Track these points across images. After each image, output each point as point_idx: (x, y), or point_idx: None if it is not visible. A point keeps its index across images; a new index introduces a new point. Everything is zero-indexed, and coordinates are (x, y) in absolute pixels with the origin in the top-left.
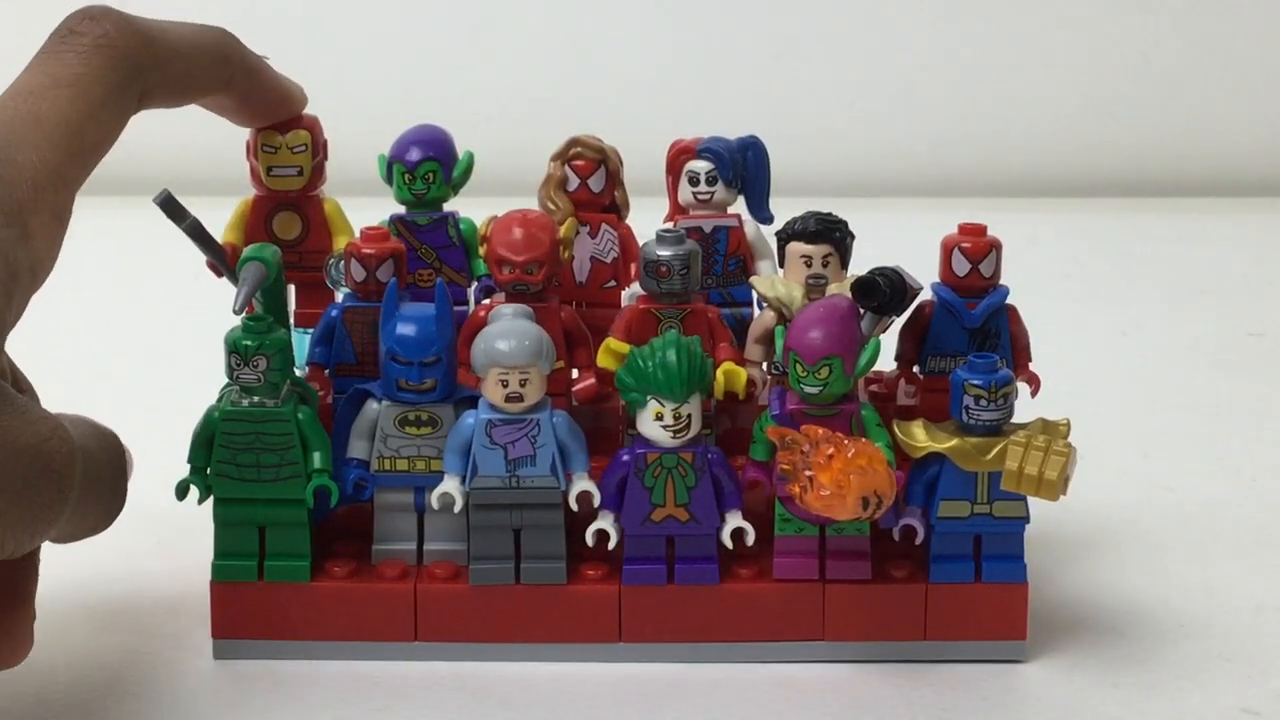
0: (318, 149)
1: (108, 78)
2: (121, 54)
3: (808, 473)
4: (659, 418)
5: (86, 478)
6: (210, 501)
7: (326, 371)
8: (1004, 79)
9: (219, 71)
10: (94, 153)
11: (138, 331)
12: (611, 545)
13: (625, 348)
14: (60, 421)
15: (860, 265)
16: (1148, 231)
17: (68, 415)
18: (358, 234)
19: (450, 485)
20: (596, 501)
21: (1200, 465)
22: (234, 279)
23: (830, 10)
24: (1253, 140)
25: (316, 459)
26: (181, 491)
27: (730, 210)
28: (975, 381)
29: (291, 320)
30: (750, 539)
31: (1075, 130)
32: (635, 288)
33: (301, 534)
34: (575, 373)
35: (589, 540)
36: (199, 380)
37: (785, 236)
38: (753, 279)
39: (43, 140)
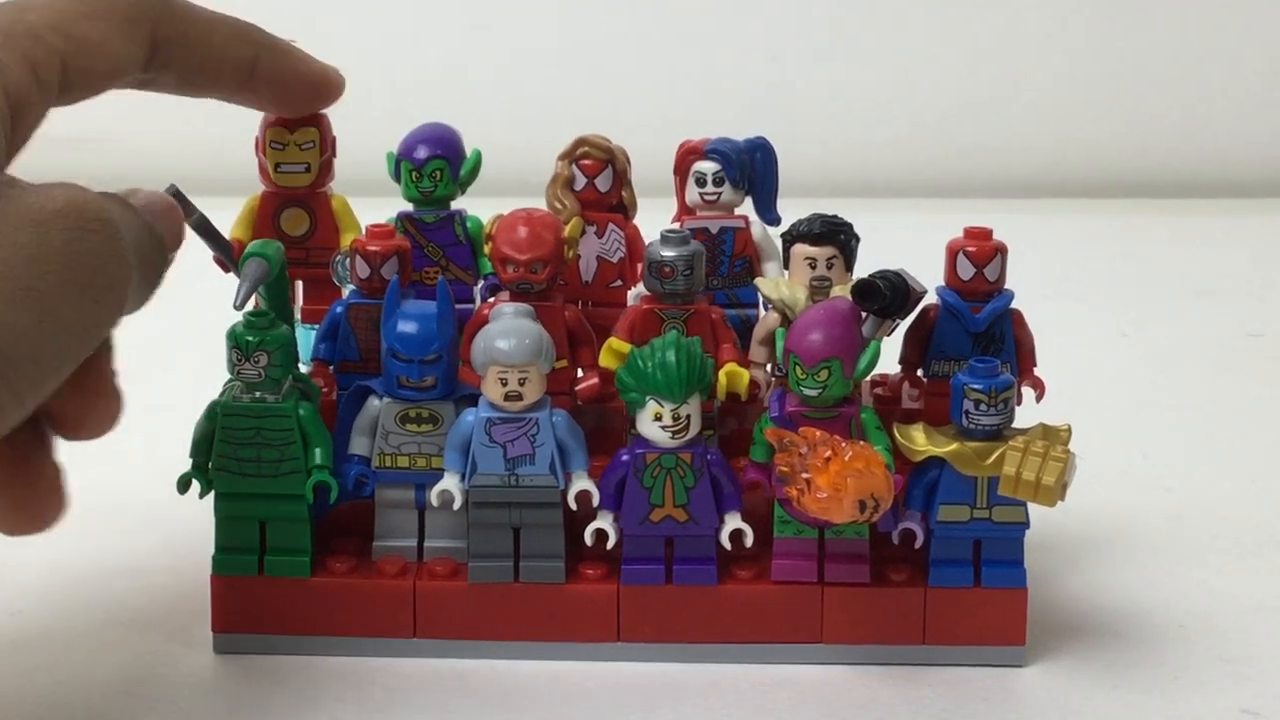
0: (326, 146)
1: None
2: None
3: (805, 475)
4: (658, 418)
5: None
6: (211, 496)
7: (331, 368)
8: (1006, 80)
9: (240, 49)
10: (85, 44)
11: (139, 328)
12: (610, 545)
13: (628, 348)
14: (71, 185)
15: (865, 268)
16: (1148, 232)
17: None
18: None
19: (450, 482)
20: (595, 501)
21: (1200, 465)
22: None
23: (838, 12)
24: (1253, 140)
25: (317, 455)
26: (183, 486)
27: (737, 211)
28: (975, 386)
29: (298, 316)
30: (749, 540)
31: (1075, 130)
32: (641, 288)
33: (302, 529)
34: (579, 372)
35: (588, 539)
36: (201, 377)
37: (790, 238)
38: (757, 280)
39: (44, 6)
